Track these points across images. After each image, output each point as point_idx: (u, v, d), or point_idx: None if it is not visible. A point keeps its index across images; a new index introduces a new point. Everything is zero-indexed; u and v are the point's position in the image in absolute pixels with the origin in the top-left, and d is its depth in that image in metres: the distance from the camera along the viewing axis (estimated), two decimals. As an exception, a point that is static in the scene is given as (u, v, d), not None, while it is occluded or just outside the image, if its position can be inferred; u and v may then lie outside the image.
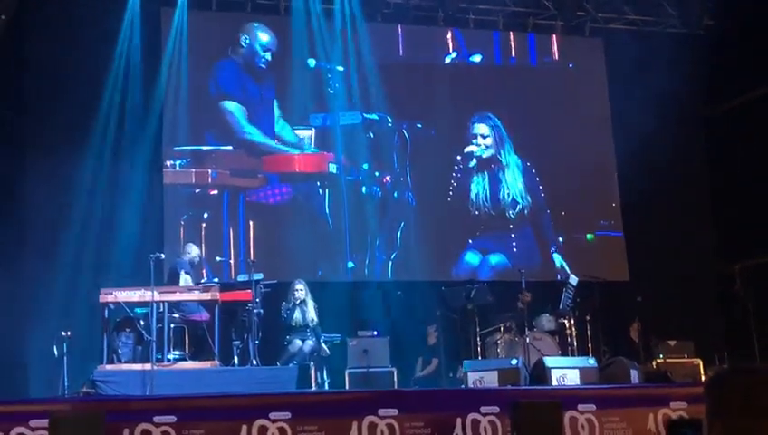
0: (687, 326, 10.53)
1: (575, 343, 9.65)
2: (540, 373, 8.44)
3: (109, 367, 8.25)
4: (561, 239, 11.98)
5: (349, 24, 11.46)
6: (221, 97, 11.33)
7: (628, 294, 10.67)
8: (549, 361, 8.61)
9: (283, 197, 11.34)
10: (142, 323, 8.50)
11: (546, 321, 9.89)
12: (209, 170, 11.07)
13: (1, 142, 9.81)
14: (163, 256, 8.88)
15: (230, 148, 11.21)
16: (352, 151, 11.51)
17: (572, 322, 9.75)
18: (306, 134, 11.51)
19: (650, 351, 9.90)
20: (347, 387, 8.81)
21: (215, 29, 11.57)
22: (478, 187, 11.86)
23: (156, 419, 6.19)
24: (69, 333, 8.39)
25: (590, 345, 9.80)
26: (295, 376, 8.46)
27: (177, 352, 8.74)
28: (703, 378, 9.20)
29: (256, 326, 8.75)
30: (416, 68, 12.02)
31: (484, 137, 12.01)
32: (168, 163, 10.94)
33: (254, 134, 11.33)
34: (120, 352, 8.50)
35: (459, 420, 6.68)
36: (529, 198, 11.98)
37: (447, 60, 12.24)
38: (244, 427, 6.32)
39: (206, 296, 8.72)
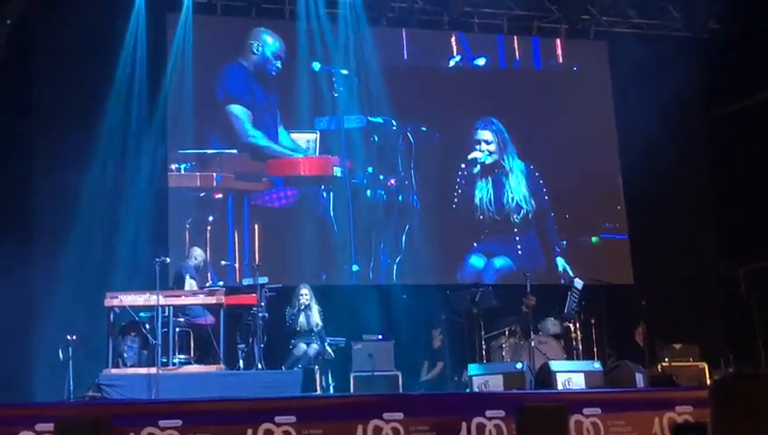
0: (692, 330, 10.51)
1: (580, 347, 9.64)
2: (545, 377, 8.43)
3: (114, 371, 8.27)
4: (564, 242, 11.98)
5: (353, 27, 11.48)
6: (228, 101, 11.36)
7: (633, 297, 10.65)
8: (554, 364, 8.60)
9: (288, 200, 11.35)
10: (147, 326, 8.52)
11: (551, 324, 9.88)
12: (214, 174, 11.09)
13: (7, 146, 9.84)
14: (168, 259, 8.91)
15: (235, 151, 11.24)
16: (357, 155, 11.52)
17: (577, 325, 9.74)
18: (311, 138, 11.53)
19: (655, 354, 9.88)
20: (352, 391, 8.82)
21: (220, 34, 11.60)
22: (482, 192, 11.87)
23: (161, 422, 6.21)
24: (74, 337, 8.41)
25: (595, 349, 9.79)
26: (300, 380, 8.46)
27: (183, 356, 8.75)
28: (708, 381, 9.19)
29: (261, 330, 8.76)
30: (420, 71, 12.03)
31: (487, 142, 12.02)
32: (173, 166, 10.96)
33: (259, 138, 11.35)
34: (125, 355, 8.51)
35: (464, 424, 6.69)
36: (533, 202, 11.98)
37: (452, 63, 12.25)
38: (250, 431, 6.33)
39: (212, 300, 8.73)
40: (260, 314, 8.81)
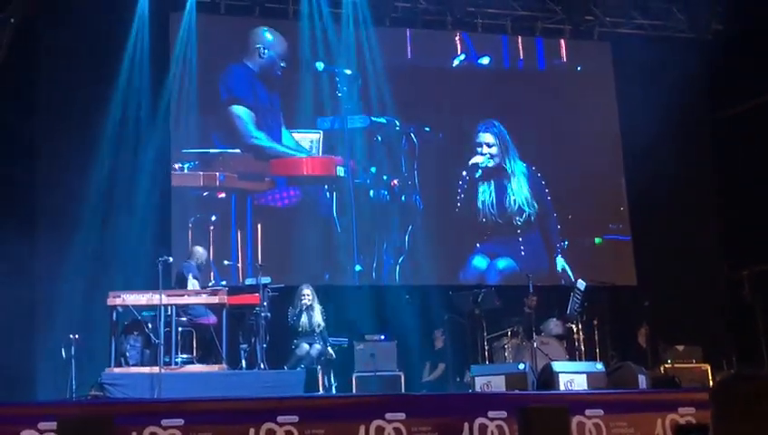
0: (695, 331, 10.50)
1: (583, 348, 9.63)
2: (547, 378, 8.42)
3: (117, 370, 8.28)
4: (565, 243, 11.97)
5: (357, 27, 11.48)
6: (231, 101, 11.36)
7: (636, 298, 10.65)
8: (556, 365, 8.59)
9: (291, 200, 11.36)
10: (150, 326, 8.53)
11: (554, 325, 9.87)
12: (217, 173, 11.09)
13: (11, 146, 9.85)
14: (171, 259, 8.91)
15: (238, 151, 11.25)
16: (360, 155, 11.52)
17: (580, 326, 9.73)
18: (314, 137, 11.54)
19: (658, 356, 9.88)
20: (354, 391, 8.83)
21: (223, 33, 11.60)
22: (484, 195, 11.86)
23: (164, 422, 6.21)
24: (77, 336, 8.43)
25: (597, 350, 9.78)
26: (303, 380, 8.47)
27: (185, 356, 8.76)
28: (711, 383, 9.17)
29: (264, 330, 8.77)
30: (424, 72, 12.03)
31: (489, 145, 12.01)
32: (176, 166, 10.97)
33: (262, 139, 11.36)
34: (128, 355, 8.52)
35: (467, 425, 6.69)
36: (535, 204, 11.97)
37: (456, 62, 12.25)
38: (252, 430, 6.34)
39: (214, 300, 8.74)
40: (262, 314, 8.81)
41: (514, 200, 11.94)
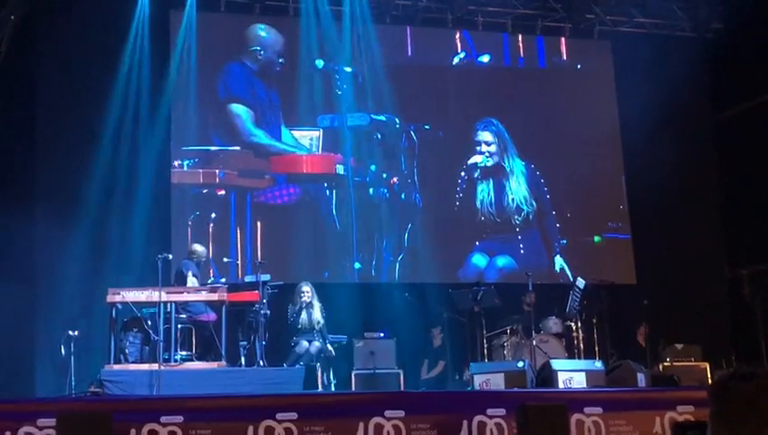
0: (695, 330, 10.51)
1: (582, 346, 9.64)
2: (546, 376, 8.43)
3: (116, 367, 8.28)
4: (564, 241, 11.98)
5: (357, 25, 11.48)
6: (230, 100, 11.36)
7: (636, 297, 10.65)
8: (555, 363, 8.60)
9: (291, 197, 11.36)
10: (150, 323, 8.53)
11: (553, 323, 9.87)
12: (217, 171, 11.10)
13: (12, 141, 9.86)
14: (171, 256, 8.92)
15: (238, 148, 11.25)
16: (360, 153, 11.53)
17: (579, 324, 9.74)
18: (314, 135, 11.54)
19: (657, 354, 9.88)
20: (353, 388, 8.83)
21: (223, 30, 11.60)
22: (483, 194, 11.87)
23: (163, 419, 6.22)
24: (76, 333, 8.45)
25: (596, 348, 9.78)
26: (302, 377, 8.48)
27: (185, 353, 8.77)
28: (710, 382, 9.18)
29: (263, 327, 8.77)
30: (424, 70, 12.02)
31: (488, 144, 12.01)
32: (176, 163, 10.98)
33: (261, 137, 11.35)
34: (127, 351, 8.52)
35: (465, 423, 6.70)
36: (534, 202, 11.97)
37: (456, 60, 12.24)
38: (251, 427, 6.35)
39: (214, 297, 8.74)
40: (262, 312, 8.81)
41: (513, 199, 11.94)
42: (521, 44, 12.45)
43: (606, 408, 7.07)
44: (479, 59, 12.31)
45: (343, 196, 11.36)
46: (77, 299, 9.46)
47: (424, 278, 11.09)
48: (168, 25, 11.15)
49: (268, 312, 8.96)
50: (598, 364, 8.81)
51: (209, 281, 9.79)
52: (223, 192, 11.12)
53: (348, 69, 11.56)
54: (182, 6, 11.05)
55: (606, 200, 12.27)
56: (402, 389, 8.75)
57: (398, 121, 11.68)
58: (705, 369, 9.55)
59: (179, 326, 8.72)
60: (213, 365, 8.52)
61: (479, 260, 11.75)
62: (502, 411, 6.76)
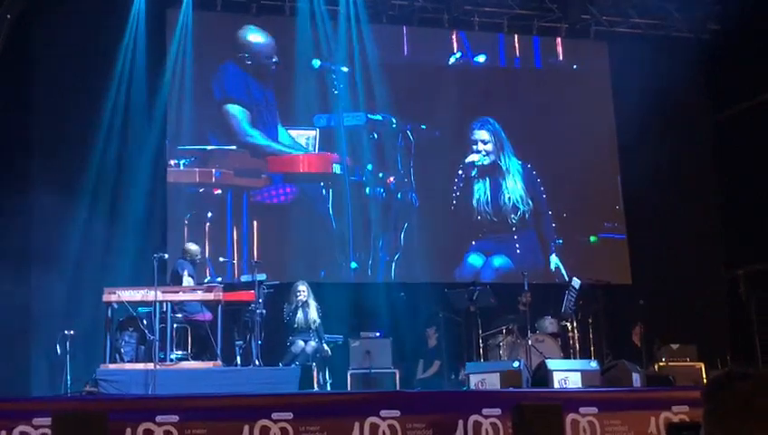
0: (690, 330, 10.52)
1: (577, 346, 9.66)
2: (542, 376, 8.44)
3: (112, 366, 8.27)
4: (560, 241, 11.99)
5: (353, 24, 11.48)
6: (226, 100, 11.35)
7: (631, 297, 10.67)
8: (551, 363, 8.61)
9: (287, 197, 11.36)
10: (145, 322, 8.53)
11: (548, 323, 9.89)
12: (213, 170, 11.09)
13: (6, 142, 9.84)
14: (167, 255, 8.92)
15: (234, 147, 11.25)
16: (356, 152, 11.53)
17: (575, 324, 9.76)
18: (310, 135, 11.53)
19: (653, 354, 9.89)
20: (349, 388, 8.82)
21: (220, 30, 11.58)
22: (479, 193, 11.88)
23: (158, 418, 6.22)
24: (72, 332, 8.44)
25: (592, 348, 9.80)
26: (298, 377, 8.47)
27: (180, 352, 8.76)
28: (705, 382, 9.19)
29: (259, 327, 8.77)
30: (420, 69, 12.02)
31: (484, 142, 12.02)
32: (173, 162, 10.97)
33: (257, 137, 11.35)
34: (122, 351, 8.52)
35: (461, 422, 6.70)
36: (530, 202, 11.99)
37: (452, 60, 12.25)
38: (247, 427, 6.35)
39: (209, 296, 8.74)
40: (258, 311, 8.82)
41: (509, 198, 11.95)
42: (517, 45, 12.46)
43: (601, 408, 7.08)
44: (475, 59, 12.32)
45: (340, 195, 11.36)
46: (73, 298, 9.44)
47: (420, 278, 11.09)
48: (165, 24, 11.14)
49: (264, 311, 8.96)
50: (593, 364, 8.81)
51: (205, 280, 9.78)
52: (219, 191, 11.11)
53: (344, 68, 11.56)
54: (178, 5, 11.04)
55: (602, 200, 12.28)
56: (398, 388, 8.75)
57: (394, 121, 11.68)
58: (701, 369, 9.56)
59: (175, 326, 8.72)
60: (208, 365, 8.52)
61: (476, 260, 11.75)
62: (497, 411, 6.77)
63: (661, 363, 9.61)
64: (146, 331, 8.45)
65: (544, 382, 8.32)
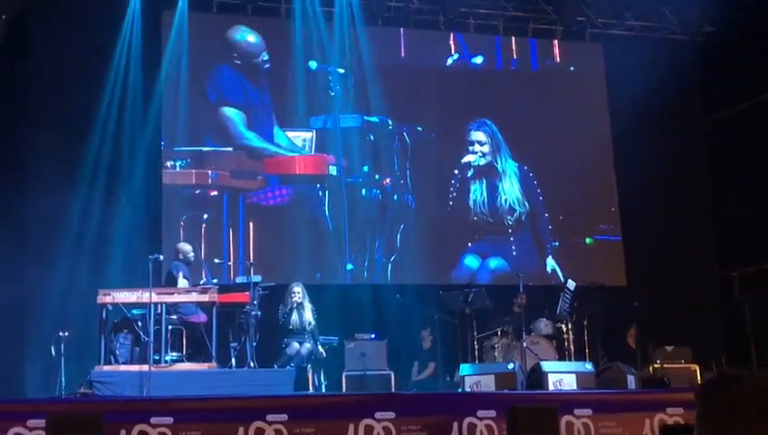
0: (685, 332, 10.53)
1: (572, 348, 9.66)
2: (537, 378, 8.45)
3: (106, 368, 8.26)
4: (556, 243, 12.00)
5: (350, 26, 11.48)
6: (221, 103, 11.33)
7: (626, 299, 10.67)
8: (546, 365, 8.62)
9: (283, 199, 11.36)
10: (140, 324, 8.51)
11: (543, 325, 9.89)
12: (209, 171, 11.08)
13: (2, 140, 9.82)
14: (162, 257, 8.90)
15: (230, 149, 11.24)
16: (352, 154, 11.53)
17: (570, 326, 9.75)
18: (307, 136, 11.53)
19: (647, 356, 9.90)
20: (344, 390, 8.82)
21: (215, 31, 11.57)
22: (476, 194, 11.88)
23: (153, 420, 6.22)
24: (66, 334, 8.42)
25: (587, 350, 9.80)
26: (292, 378, 8.47)
27: (175, 354, 8.74)
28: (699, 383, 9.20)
29: (254, 328, 8.76)
30: (417, 71, 12.03)
31: (481, 144, 12.03)
32: (168, 164, 10.96)
33: (253, 139, 11.34)
34: (117, 352, 8.50)
35: (456, 424, 6.71)
36: (526, 203, 12.00)
37: (449, 62, 12.26)
38: (241, 429, 6.34)
39: (204, 298, 8.73)
40: (253, 313, 8.80)
41: (506, 200, 11.96)
42: (513, 47, 12.48)
43: (596, 410, 7.09)
44: (472, 60, 12.33)
45: (336, 197, 11.36)
46: (67, 300, 9.42)
47: (416, 280, 11.10)
48: (160, 25, 11.13)
49: (259, 313, 8.95)
50: (588, 366, 8.83)
51: (201, 282, 9.77)
52: (215, 193, 11.10)
53: (340, 70, 11.57)
54: (174, 7, 11.03)
55: (597, 202, 12.30)
56: (393, 390, 8.75)
57: (390, 123, 11.69)
58: (695, 371, 9.56)
59: (170, 327, 8.70)
60: (203, 366, 8.50)
61: (472, 262, 11.76)
62: (492, 413, 6.77)
63: (656, 365, 9.62)
64: (140, 332, 8.44)
65: (539, 384, 8.32)
